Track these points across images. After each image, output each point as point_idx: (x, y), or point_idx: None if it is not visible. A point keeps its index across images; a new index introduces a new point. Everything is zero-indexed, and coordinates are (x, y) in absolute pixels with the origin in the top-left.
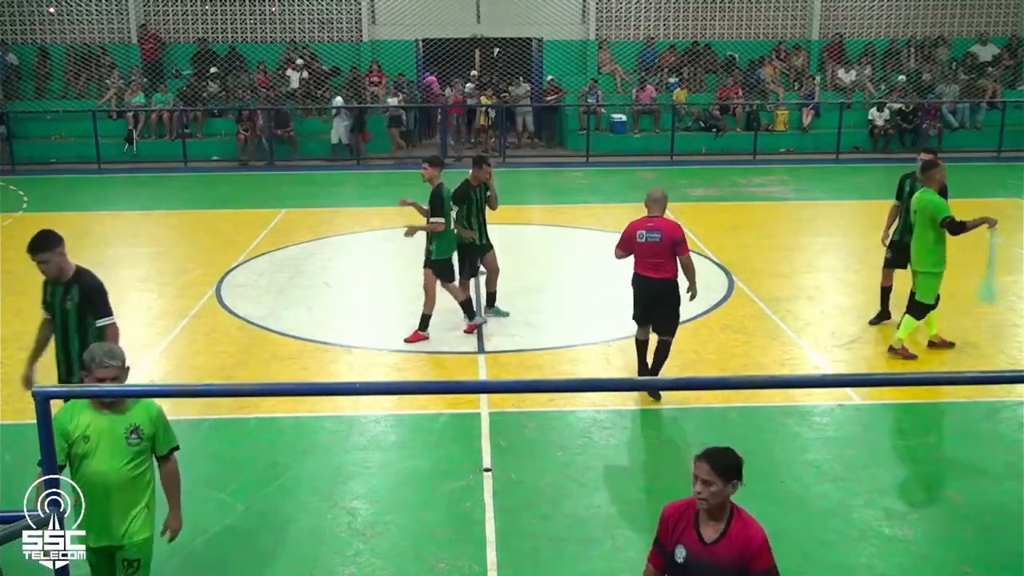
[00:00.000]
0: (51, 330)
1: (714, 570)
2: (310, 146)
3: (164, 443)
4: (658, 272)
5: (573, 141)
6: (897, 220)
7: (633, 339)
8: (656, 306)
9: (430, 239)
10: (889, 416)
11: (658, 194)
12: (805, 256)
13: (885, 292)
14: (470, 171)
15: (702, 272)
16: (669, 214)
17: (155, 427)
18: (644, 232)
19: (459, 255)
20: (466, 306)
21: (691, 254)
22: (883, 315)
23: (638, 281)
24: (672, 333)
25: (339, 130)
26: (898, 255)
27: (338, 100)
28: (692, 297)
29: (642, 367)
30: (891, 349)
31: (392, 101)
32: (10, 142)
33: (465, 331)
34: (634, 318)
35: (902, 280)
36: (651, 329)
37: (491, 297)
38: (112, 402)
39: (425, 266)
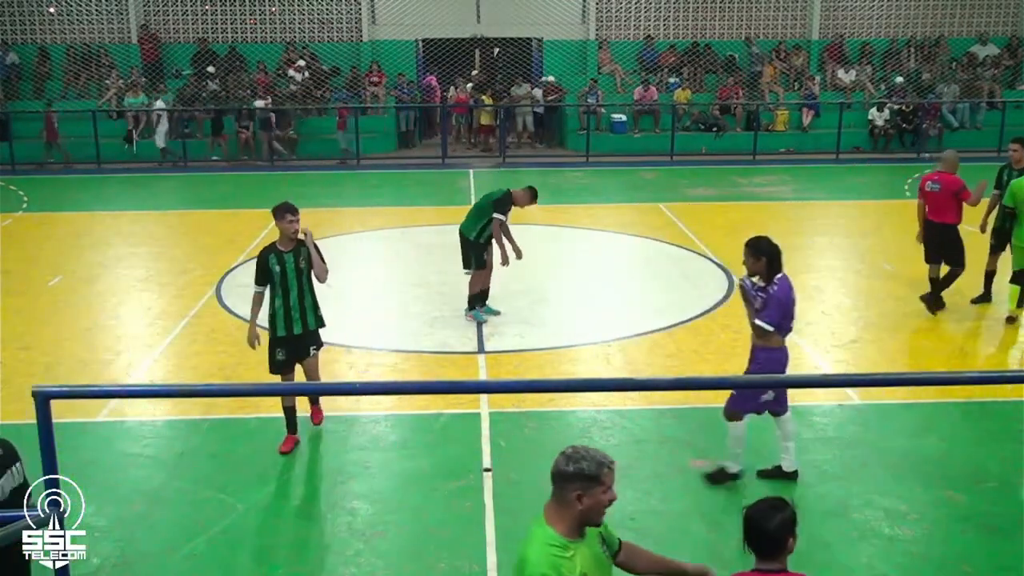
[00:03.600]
0: None
1: None
2: (310, 146)
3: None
4: (939, 216)
5: (573, 141)
6: (997, 208)
7: (634, 338)
8: (939, 245)
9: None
10: (889, 416)
11: (947, 154)
12: (805, 256)
13: (989, 276)
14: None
15: (702, 272)
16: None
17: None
18: (930, 183)
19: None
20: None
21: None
22: (985, 297)
23: (927, 225)
24: (960, 265)
25: (160, 134)
26: (1000, 240)
27: (159, 103)
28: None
29: (935, 299)
30: (1009, 319)
31: (260, 103)
32: (10, 142)
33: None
34: (925, 259)
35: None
36: (942, 264)
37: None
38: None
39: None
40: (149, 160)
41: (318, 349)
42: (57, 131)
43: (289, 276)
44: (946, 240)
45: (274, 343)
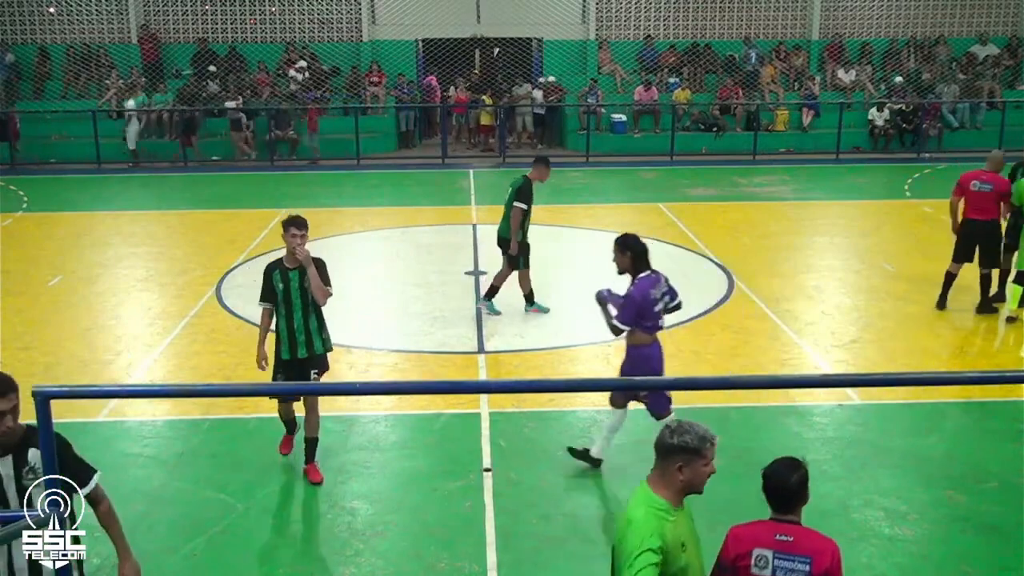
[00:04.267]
0: None
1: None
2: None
3: None
4: (984, 215)
5: (573, 141)
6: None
7: None
8: (979, 242)
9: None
10: (889, 416)
11: (995, 154)
12: (805, 256)
13: (1005, 274)
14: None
15: (702, 272)
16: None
17: None
18: (977, 182)
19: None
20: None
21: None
22: (1000, 296)
23: (967, 223)
24: (992, 266)
25: (131, 135)
26: (1014, 239)
27: (130, 103)
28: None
29: (942, 299)
30: (1009, 319)
31: (231, 104)
32: (10, 142)
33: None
34: (954, 257)
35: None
36: (975, 262)
37: (493, 291)
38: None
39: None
40: (147, 160)
41: (320, 374)
42: (19, 132)
43: (293, 295)
44: (990, 237)
45: (276, 365)
